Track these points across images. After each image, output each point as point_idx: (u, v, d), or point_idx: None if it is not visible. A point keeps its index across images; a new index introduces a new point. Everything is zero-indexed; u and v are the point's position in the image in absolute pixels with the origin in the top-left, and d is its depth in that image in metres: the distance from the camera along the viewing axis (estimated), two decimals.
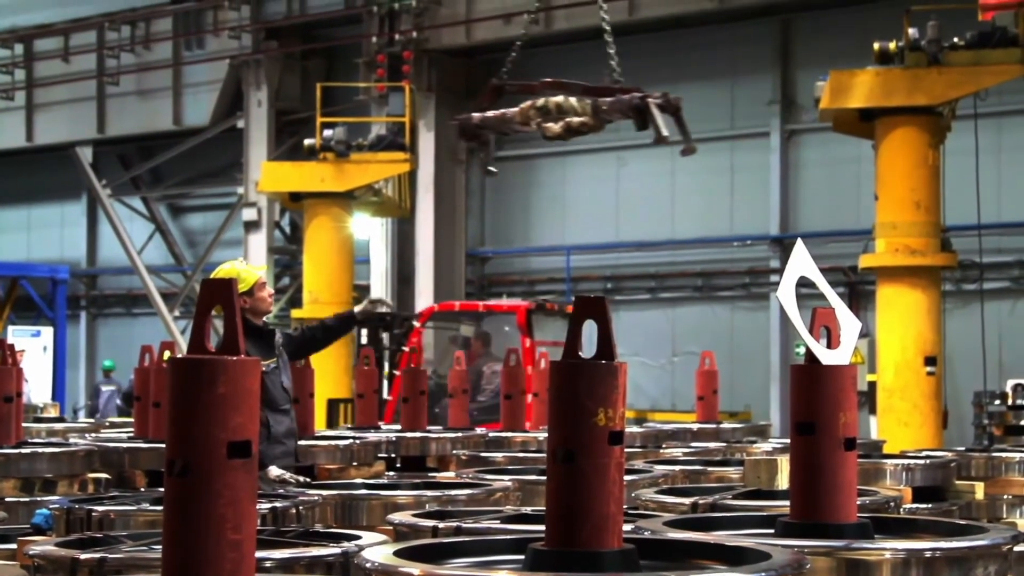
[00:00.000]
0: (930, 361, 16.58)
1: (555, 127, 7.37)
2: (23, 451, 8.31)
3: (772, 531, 4.60)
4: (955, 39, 16.63)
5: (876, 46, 16.80)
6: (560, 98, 7.29)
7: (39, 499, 7.89)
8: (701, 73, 23.45)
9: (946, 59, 16.54)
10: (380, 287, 23.92)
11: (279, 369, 8.05)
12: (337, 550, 4.56)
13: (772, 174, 22.77)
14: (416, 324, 19.15)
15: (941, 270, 17.19)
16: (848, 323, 4.52)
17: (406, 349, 16.63)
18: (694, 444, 11.28)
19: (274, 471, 7.67)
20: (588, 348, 3.92)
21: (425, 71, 23.68)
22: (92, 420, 20.32)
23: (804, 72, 22.12)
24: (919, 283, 16.68)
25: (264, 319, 8.11)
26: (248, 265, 8.22)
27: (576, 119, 7.44)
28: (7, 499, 7.91)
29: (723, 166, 23.30)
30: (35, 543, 4.96)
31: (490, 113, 7.62)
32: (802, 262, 4.53)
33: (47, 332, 27.14)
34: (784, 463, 5.71)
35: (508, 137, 25.38)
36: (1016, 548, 4.40)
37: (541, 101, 7.37)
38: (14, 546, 5.94)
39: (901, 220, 16.62)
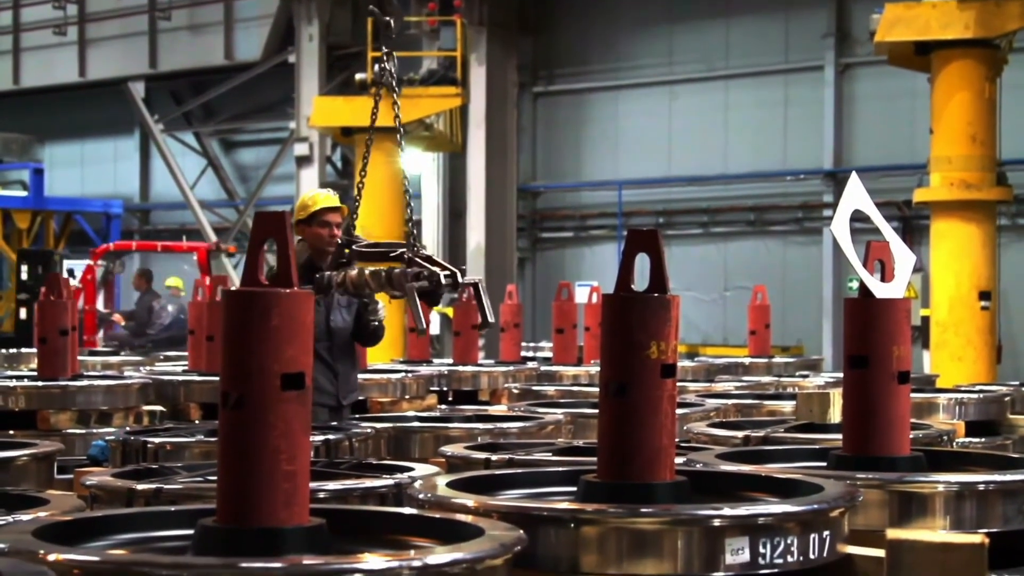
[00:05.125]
0: (984, 296, 16.48)
1: (392, 291, 7.14)
2: (79, 384, 8.39)
3: (824, 464, 4.60)
4: None
5: None
6: (355, 273, 7.01)
7: (95, 431, 7.96)
8: (755, 6, 23.27)
9: None
10: (432, 222, 23.93)
11: (333, 306, 7.97)
12: (390, 481, 4.59)
13: (826, 108, 22.61)
14: (91, 262, 21.38)
15: (996, 204, 17.04)
16: (902, 257, 4.50)
17: (79, 286, 18.42)
18: (746, 378, 11.26)
19: None
20: (640, 281, 3.91)
21: (476, 5, 23.56)
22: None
23: (859, 5, 21.89)
24: (974, 217, 16.55)
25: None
26: (325, 194, 7.91)
27: (373, 291, 7.14)
28: (64, 431, 7.99)
29: (777, 100, 23.15)
30: (92, 474, 5.01)
31: (338, 275, 7.30)
32: (856, 196, 4.51)
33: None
34: (837, 396, 5.70)
35: (556, 76, 25.32)
36: None
37: (340, 276, 7.07)
38: (71, 477, 6.00)
39: (956, 154, 16.47)
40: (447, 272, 6.66)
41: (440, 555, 3.15)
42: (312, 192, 8.02)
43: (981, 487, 4.27)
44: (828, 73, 22.60)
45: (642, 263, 3.94)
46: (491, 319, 6.72)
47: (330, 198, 7.88)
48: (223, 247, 20.75)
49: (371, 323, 7.91)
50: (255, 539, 3.24)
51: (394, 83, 7.48)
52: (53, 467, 5.86)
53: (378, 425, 6.71)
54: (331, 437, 5.98)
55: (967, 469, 4.68)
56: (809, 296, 22.34)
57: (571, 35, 25.05)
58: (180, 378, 9.58)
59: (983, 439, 7.81)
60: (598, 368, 4.02)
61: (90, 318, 20.16)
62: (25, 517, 3.79)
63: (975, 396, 8.05)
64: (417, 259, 6.86)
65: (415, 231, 7.13)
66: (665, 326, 3.85)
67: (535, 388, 9.83)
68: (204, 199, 28.14)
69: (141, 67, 27.71)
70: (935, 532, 4.00)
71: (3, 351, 15.72)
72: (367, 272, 7.05)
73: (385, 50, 7.54)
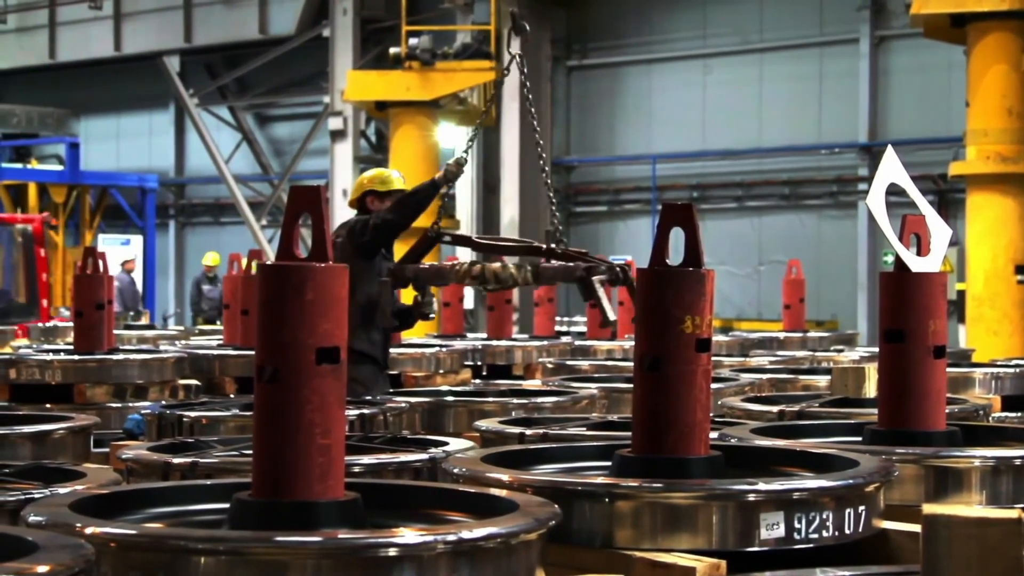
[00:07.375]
0: (1020, 269, 16.39)
1: (536, 283, 7.26)
2: (115, 358, 8.42)
3: (860, 439, 4.58)
4: None
5: None
6: (497, 265, 7.05)
7: (131, 405, 8.00)
8: None
9: None
10: (466, 196, 23.92)
11: None
12: (424, 456, 4.59)
13: (861, 81, 22.49)
14: None
15: None
16: (938, 230, 4.48)
17: None
18: (780, 353, 11.25)
19: None
20: (675, 256, 3.91)
21: None
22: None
23: None
24: (1010, 190, 16.46)
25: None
26: (399, 178, 8.44)
27: (515, 285, 7.23)
28: (100, 405, 8.02)
29: (811, 73, 23.04)
30: (128, 447, 5.04)
31: (426, 266, 7.39)
32: (892, 169, 4.49)
33: (136, 241, 27.38)
34: (872, 371, 5.68)
35: (589, 50, 25.25)
36: None
37: (478, 268, 7.11)
38: (107, 450, 6.03)
39: (992, 127, 16.38)
40: (619, 266, 6.83)
41: (475, 530, 3.15)
42: (387, 171, 8.55)
43: (1017, 462, 4.25)
44: (863, 46, 22.47)
45: (676, 237, 3.94)
46: (612, 316, 6.85)
47: (403, 182, 8.37)
48: (49, 220, 21.39)
49: (427, 316, 8.01)
50: (290, 513, 3.25)
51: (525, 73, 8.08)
52: (89, 440, 5.90)
53: (412, 399, 6.72)
54: (366, 411, 5.99)
55: (1003, 444, 4.66)
56: (844, 270, 22.26)
57: (605, 8, 24.96)
58: (215, 352, 9.61)
59: (1019, 413, 7.77)
60: (632, 343, 4.02)
61: None
62: (62, 490, 3.81)
63: (1011, 370, 8.02)
64: (570, 252, 7.02)
65: (560, 227, 7.32)
66: (700, 300, 3.84)
67: (569, 363, 9.84)
68: (239, 173, 28.19)
69: (176, 41, 27.77)
70: (971, 507, 3.99)
71: (39, 325, 15.80)
72: (512, 265, 7.15)
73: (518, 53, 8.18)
